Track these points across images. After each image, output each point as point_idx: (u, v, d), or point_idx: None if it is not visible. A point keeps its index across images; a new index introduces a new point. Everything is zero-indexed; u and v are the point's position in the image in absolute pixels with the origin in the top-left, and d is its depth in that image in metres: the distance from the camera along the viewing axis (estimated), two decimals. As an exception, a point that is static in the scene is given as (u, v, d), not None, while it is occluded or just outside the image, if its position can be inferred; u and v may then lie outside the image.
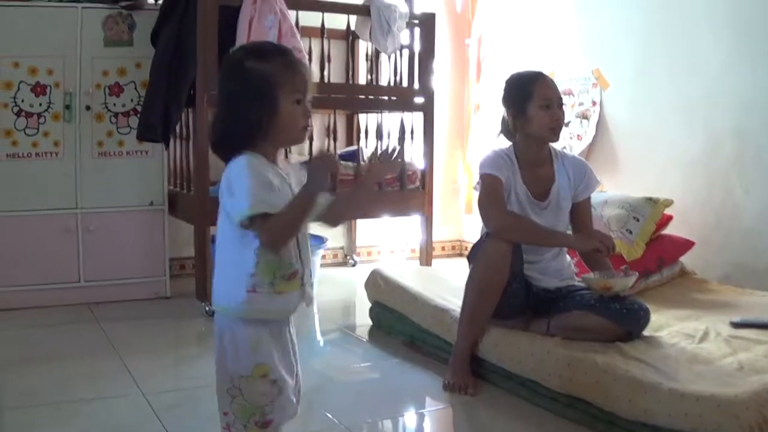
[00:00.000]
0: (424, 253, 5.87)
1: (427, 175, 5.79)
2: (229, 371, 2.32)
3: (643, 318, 3.62)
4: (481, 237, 3.85)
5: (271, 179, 2.22)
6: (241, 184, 2.18)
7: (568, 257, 4.06)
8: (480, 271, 3.71)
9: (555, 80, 3.95)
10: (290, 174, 2.36)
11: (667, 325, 3.89)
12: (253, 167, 2.20)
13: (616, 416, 3.08)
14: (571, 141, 5.99)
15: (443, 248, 6.94)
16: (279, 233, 2.19)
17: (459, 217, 7.20)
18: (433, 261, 5.91)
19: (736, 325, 3.82)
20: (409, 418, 3.48)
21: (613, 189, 5.41)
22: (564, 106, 3.88)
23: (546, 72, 4.04)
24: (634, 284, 4.11)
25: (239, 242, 2.24)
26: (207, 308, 4.92)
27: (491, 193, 3.78)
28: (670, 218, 4.92)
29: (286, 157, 5.35)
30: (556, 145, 4.03)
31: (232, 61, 2.34)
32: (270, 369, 2.31)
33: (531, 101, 3.77)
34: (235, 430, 2.35)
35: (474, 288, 3.73)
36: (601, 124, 5.87)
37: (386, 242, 6.91)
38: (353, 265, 6.65)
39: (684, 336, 3.68)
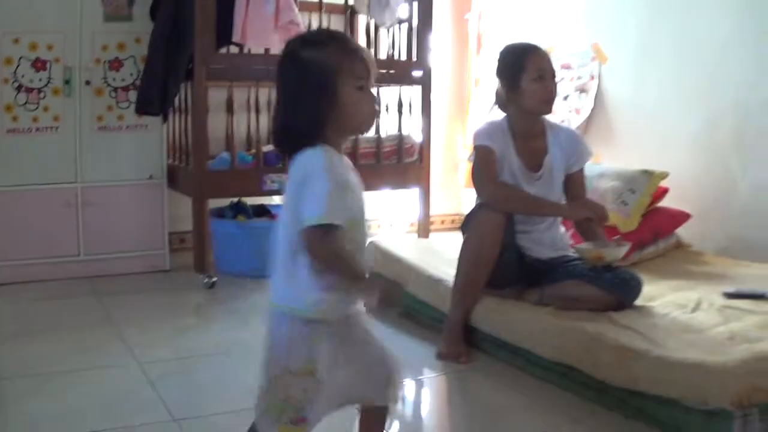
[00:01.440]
0: (422, 226, 5.92)
1: (424, 148, 5.82)
2: (277, 365, 2.26)
3: (635, 288, 3.64)
4: (474, 207, 3.87)
5: (347, 178, 2.18)
6: (319, 186, 2.11)
7: (562, 228, 4.09)
8: (473, 241, 3.74)
9: (554, 54, 3.97)
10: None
11: (660, 296, 3.90)
12: (332, 169, 2.14)
13: (605, 384, 3.10)
14: (569, 114, 6.01)
15: (443, 222, 6.96)
16: (326, 258, 2.13)
17: (459, 191, 7.22)
18: (433, 234, 5.95)
19: (730, 296, 3.83)
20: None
21: (610, 162, 5.43)
22: (557, 79, 3.89)
23: (545, 46, 4.05)
24: (628, 255, 4.14)
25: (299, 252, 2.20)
26: (206, 280, 4.96)
27: (484, 164, 3.80)
28: (666, 191, 4.93)
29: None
30: (551, 118, 4.06)
31: (288, 52, 2.29)
32: (317, 367, 2.24)
33: (524, 74, 3.78)
34: (264, 422, 2.31)
35: (467, 258, 3.76)
36: (599, 98, 5.89)
37: (386, 216, 6.91)
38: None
39: (676, 306, 3.69)
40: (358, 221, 2.21)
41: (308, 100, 2.20)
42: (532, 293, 3.80)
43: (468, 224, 3.84)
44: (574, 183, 3.98)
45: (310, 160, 2.16)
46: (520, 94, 3.82)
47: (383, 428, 2.45)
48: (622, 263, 3.81)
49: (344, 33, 2.39)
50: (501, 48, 3.99)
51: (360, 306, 2.31)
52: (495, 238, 3.68)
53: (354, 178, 2.24)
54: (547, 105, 3.83)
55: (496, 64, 3.95)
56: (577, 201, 3.90)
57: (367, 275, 2.17)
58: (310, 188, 2.12)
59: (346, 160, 2.28)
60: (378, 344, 2.39)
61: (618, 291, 3.60)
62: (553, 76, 3.85)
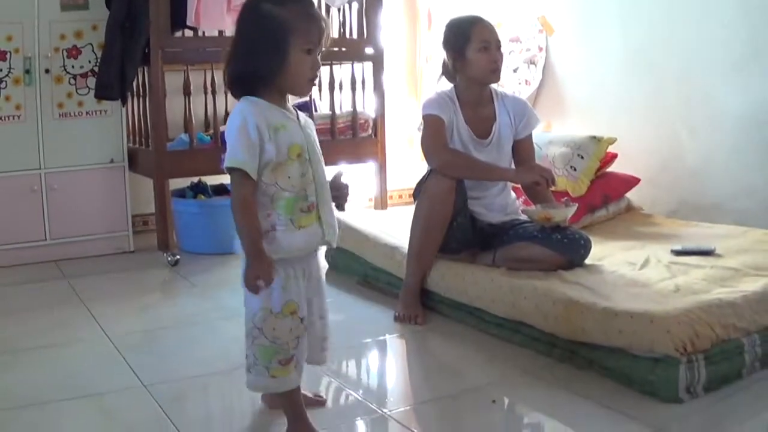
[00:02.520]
0: (380, 200, 6.04)
1: (378, 124, 5.95)
2: (254, 310, 2.42)
3: (583, 247, 3.75)
4: (425, 175, 3.95)
5: (260, 134, 2.32)
6: (230, 136, 2.33)
7: (513, 194, 4.18)
8: (424, 207, 3.84)
9: (502, 28, 4.05)
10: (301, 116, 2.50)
11: (610, 255, 4.02)
12: (244, 124, 2.31)
13: (556, 337, 3.22)
14: (519, 86, 6.12)
15: (400, 196, 7.04)
16: (232, 206, 2.34)
17: (416, 165, 7.27)
18: (391, 208, 6.06)
19: (678, 253, 3.93)
20: (363, 347, 3.60)
21: (561, 131, 5.56)
22: (506, 51, 3.98)
23: (493, 21, 4.13)
24: (578, 218, 4.28)
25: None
26: (169, 258, 5.06)
27: (433, 133, 3.89)
28: (615, 156, 5.05)
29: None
30: (502, 89, 4.16)
31: (249, 3, 2.41)
32: (298, 306, 2.42)
33: (469, 44, 3.88)
34: (255, 371, 2.45)
35: (419, 223, 3.87)
36: (547, 69, 6.01)
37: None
38: (340, 209, 6.69)
39: (625, 264, 3.82)
40: (295, 146, 2.39)
41: (259, 51, 2.34)
42: (484, 256, 3.91)
43: (419, 193, 3.94)
44: (522, 149, 4.08)
45: (231, 116, 2.38)
46: (467, 64, 3.91)
47: None
48: (571, 224, 3.92)
49: None
50: (447, 21, 4.10)
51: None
52: (445, 202, 3.77)
53: (291, 121, 2.40)
54: (493, 74, 3.91)
55: (442, 36, 4.04)
56: (525, 166, 3.99)
57: (261, 256, 2.32)
58: (227, 138, 2.35)
59: (292, 111, 2.46)
60: (324, 298, 2.60)
61: (567, 251, 3.70)
62: (498, 46, 3.93)
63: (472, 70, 3.92)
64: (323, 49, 2.42)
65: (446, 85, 4.10)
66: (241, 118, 2.33)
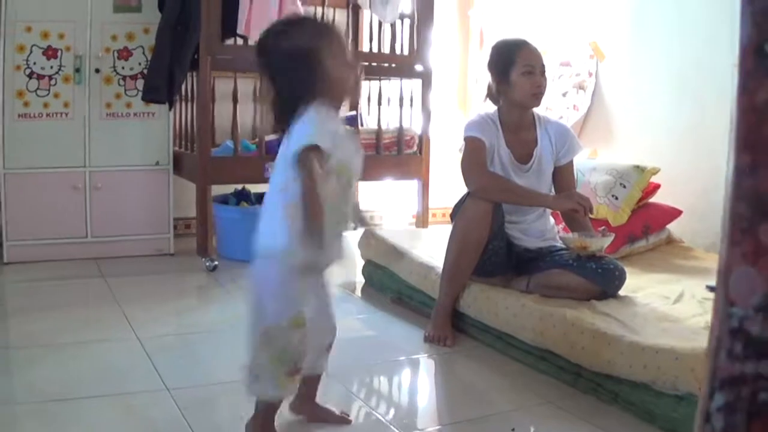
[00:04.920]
0: (421, 218, 6.04)
1: (424, 141, 5.96)
2: (266, 320, 2.43)
3: (618, 278, 3.72)
4: (463, 196, 3.95)
5: (336, 129, 2.41)
6: (309, 126, 2.34)
7: (552, 220, 4.17)
8: (460, 229, 3.84)
9: (553, 52, 4.04)
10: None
11: (645, 287, 3.97)
12: (321, 116, 2.36)
13: (581, 368, 3.19)
14: (567, 111, 6.09)
15: (444, 215, 7.04)
16: (307, 175, 2.31)
17: (460, 185, 7.24)
18: (433, 226, 6.07)
19: (712, 289, 3.84)
20: (390, 365, 3.60)
21: (606, 158, 5.53)
22: (557, 76, 3.98)
23: (544, 44, 4.12)
24: (616, 248, 4.26)
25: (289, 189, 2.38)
26: (207, 263, 5.08)
27: (473, 154, 3.89)
28: (657, 186, 5.00)
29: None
30: (549, 114, 4.16)
31: (267, 46, 2.47)
32: (307, 318, 2.43)
33: (514, 67, 3.87)
34: (264, 380, 2.45)
35: (454, 245, 3.86)
36: (596, 95, 5.98)
37: (388, 208, 7.02)
38: (354, 229, 6.73)
39: (659, 297, 3.77)
40: (345, 166, 2.42)
41: (298, 74, 2.38)
42: (519, 281, 3.90)
43: (456, 212, 3.95)
44: (563, 175, 4.07)
45: (303, 118, 2.36)
46: (510, 87, 3.90)
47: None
48: (610, 256, 3.91)
49: (308, 17, 2.59)
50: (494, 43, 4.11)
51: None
52: (481, 225, 3.77)
53: (345, 132, 2.47)
54: (535, 98, 3.90)
55: (488, 57, 4.05)
56: (564, 193, 3.97)
57: (323, 234, 2.32)
58: (302, 128, 2.34)
59: (344, 125, 2.51)
60: (332, 303, 2.62)
61: (601, 281, 3.68)
62: (543, 71, 3.92)
63: (514, 93, 3.91)
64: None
65: (491, 108, 4.10)
66: (322, 116, 2.37)
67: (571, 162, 4.12)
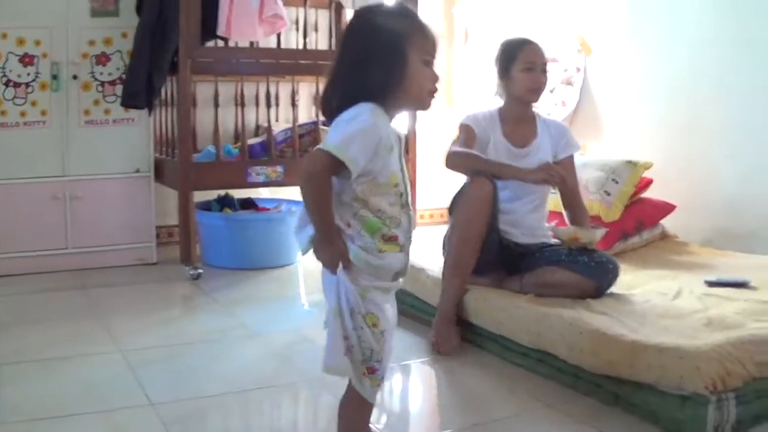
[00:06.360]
0: (409, 219, 5.93)
1: (410, 140, 5.83)
2: (344, 319, 2.25)
3: (611, 271, 3.67)
4: (461, 187, 3.92)
5: (391, 142, 2.20)
6: (349, 129, 2.14)
7: (546, 224, 4.13)
8: (462, 216, 3.78)
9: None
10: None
11: (642, 284, 3.93)
12: (373, 128, 2.15)
13: (581, 369, 3.12)
14: (555, 107, 6.03)
15: (431, 216, 6.98)
16: (306, 176, 2.16)
17: (448, 184, 7.16)
18: (420, 228, 5.95)
19: (711, 284, 3.85)
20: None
21: (596, 154, 5.46)
22: (547, 73, 4.00)
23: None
24: (612, 243, 4.22)
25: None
26: (191, 272, 5.00)
27: (459, 137, 4.00)
28: (650, 182, 4.95)
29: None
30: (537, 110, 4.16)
31: (359, 17, 2.29)
32: (379, 320, 2.25)
33: (515, 63, 3.98)
34: (356, 375, 2.28)
35: (456, 234, 3.80)
36: (584, 90, 5.93)
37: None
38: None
39: (657, 294, 3.72)
40: (398, 180, 2.24)
41: (377, 64, 2.18)
42: (511, 281, 3.84)
43: (455, 204, 3.88)
44: (563, 169, 3.98)
45: (357, 108, 2.17)
46: (510, 82, 4.02)
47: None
48: (604, 251, 3.86)
49: (414, 11, 2.38)
50: (488, 42, 4.14)
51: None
52: (484, 211, 3.73)
53: (396, 140, 2.25)
54: (534, 93, 4.00)
55: (495, 54, 4.11)
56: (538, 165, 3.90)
57: (332, 235, 2.21)
58: (342, 125, 2.16)
59: (396, 130, 2.29)
60: None
61: (594, 275, 3.64)
62: (544, 70, 4.00)
63: (514, 88, 4.01)
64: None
65: (496, 103, 4.16)
66: (372, 122, 2.16)
67: (572, 158, 4.13)
